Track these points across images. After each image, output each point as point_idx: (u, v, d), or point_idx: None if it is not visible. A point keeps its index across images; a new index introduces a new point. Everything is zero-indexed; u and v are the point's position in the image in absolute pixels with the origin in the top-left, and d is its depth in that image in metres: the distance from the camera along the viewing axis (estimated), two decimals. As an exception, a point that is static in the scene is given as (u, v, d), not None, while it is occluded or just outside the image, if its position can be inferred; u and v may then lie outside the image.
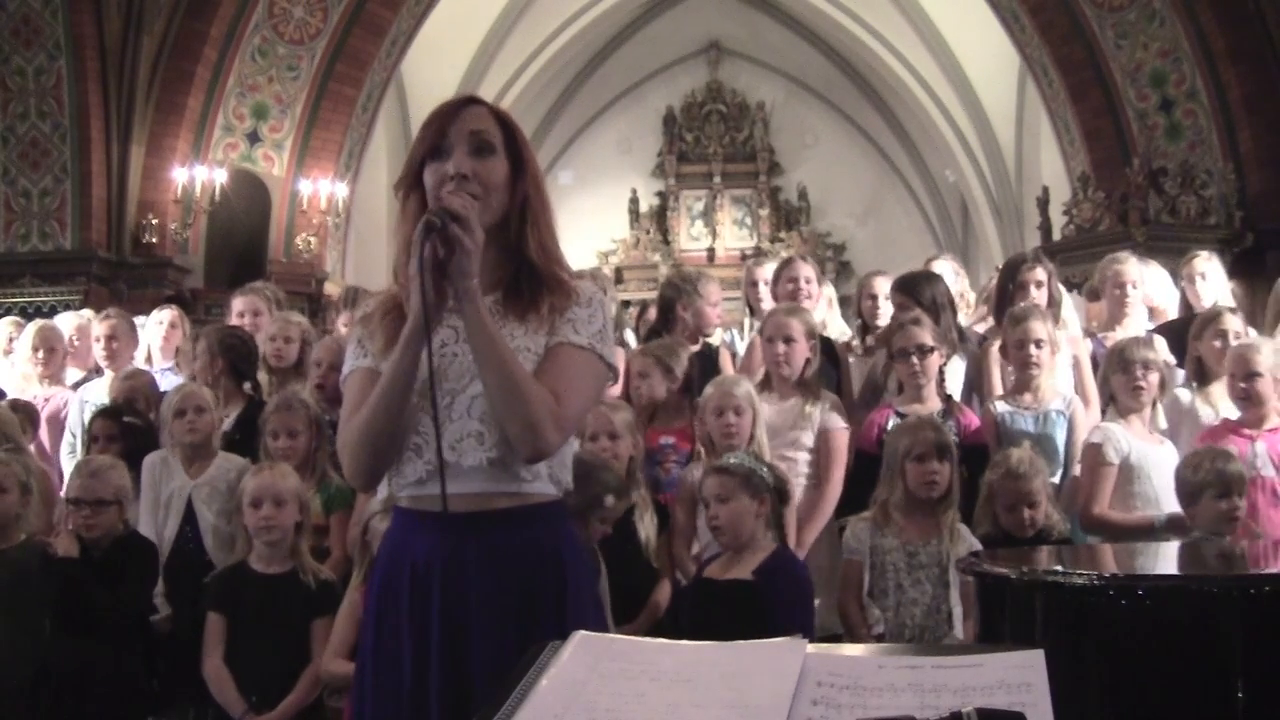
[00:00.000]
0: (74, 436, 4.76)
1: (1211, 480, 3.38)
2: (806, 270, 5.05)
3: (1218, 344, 4.06)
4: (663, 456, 3.95)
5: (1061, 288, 4.72)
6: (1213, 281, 4.89)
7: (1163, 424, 4.04)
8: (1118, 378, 3.91)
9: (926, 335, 3.97)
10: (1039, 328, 4.02)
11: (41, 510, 3.90)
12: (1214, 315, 4.23)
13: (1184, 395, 4.13)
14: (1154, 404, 3.94)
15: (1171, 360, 4.44)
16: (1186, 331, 4.36)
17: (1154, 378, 3.88)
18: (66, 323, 5.57)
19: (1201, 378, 4.12)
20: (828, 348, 4.50)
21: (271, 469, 3.51)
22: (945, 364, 4.06)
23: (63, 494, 3.87)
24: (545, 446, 1.86)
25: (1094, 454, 3.80)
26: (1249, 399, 3.79)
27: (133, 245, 8.74)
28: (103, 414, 4.30)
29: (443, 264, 1.81)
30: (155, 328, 5.40)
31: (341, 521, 3.78)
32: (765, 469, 3.25)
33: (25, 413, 4.55)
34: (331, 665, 3.22)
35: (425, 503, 1.91)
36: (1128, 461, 3.76)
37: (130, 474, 3.69)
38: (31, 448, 4.54)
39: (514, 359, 1.86)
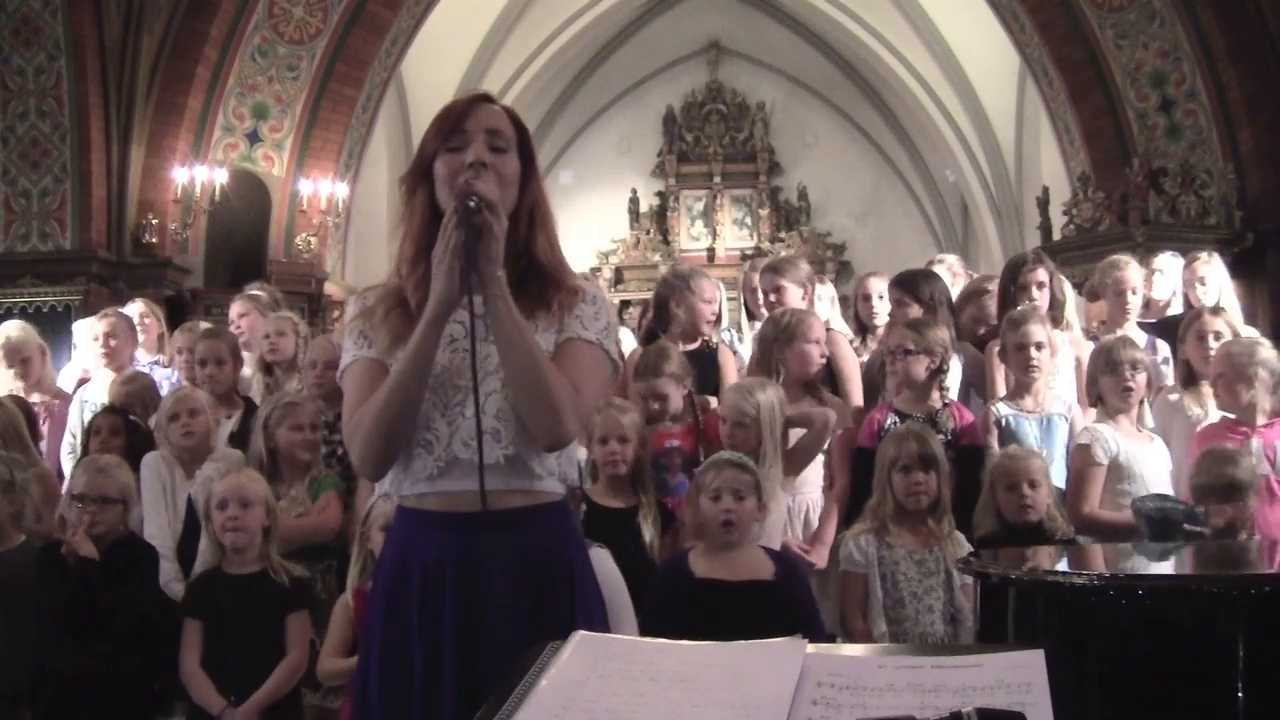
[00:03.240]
0: (74, 438, 4.75)
1: (1217, 484, 3.38)
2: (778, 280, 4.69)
3: (1201, 344, 4.09)
4: (669, 460, 3.91)
5: (1067, 287, 4.71)
6: (1213, 285, 4.90)
7: (1149, 422, 4.05)
8: (1106, 378, 3.91)
9: (908, 339, 3.94)
10: (1038, 331, 4.01)
11: (45, 510, 3.89)
12: (1196, 316, 4.25)
13: (1173, 395, 4.15)
14: (1142, 402, 3.94)
15: (1167, 355, 4.46)
16: (1185, 330, 4.36)
17: (1142, 377, 3.89)
18: (87, 329, 5.46)
19: (1189, 378, 4.15)
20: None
21: (239, 473, 3.50)
22: (943, 364, 4.04)
23: (64, 491, 3.87)
24: (566, 434, 1.89)
25: (1083, 455, 3.81)
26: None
27: (133, 245, 8.72)
28: (109, 410, 4.31)
29: (469, 250, 1.80)
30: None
31: (328, 499, 3.77)
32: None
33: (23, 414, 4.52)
34: (327, 664, 3.22)
35: (434, 501, 1.89)
36: (1116, 461, 3.77)
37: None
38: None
39: (538, 346, 1.87)
